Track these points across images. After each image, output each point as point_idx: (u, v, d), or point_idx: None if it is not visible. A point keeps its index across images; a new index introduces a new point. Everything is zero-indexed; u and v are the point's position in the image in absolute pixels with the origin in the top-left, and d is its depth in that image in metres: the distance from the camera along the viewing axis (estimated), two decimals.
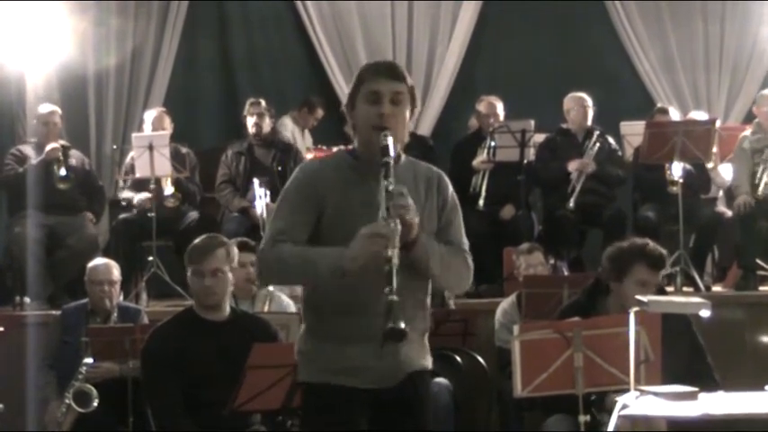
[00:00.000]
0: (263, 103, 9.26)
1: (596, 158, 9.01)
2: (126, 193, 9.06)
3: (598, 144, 9.07)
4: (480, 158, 9.12)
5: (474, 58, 11.09)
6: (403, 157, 3.86)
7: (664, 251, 5.48)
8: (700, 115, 9.73)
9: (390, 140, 3.67)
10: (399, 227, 3.54)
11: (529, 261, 7.55)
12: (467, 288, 4.03)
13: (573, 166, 8.96)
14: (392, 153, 3.65)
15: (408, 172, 3.82)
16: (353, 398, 3.78)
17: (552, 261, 8.59)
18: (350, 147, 3.93)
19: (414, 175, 3.84)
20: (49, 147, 8.66)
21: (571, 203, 8.84)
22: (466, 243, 3.91)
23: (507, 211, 9.06)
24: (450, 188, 3.92)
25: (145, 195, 8.80)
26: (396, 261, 3.49)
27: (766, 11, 10.69)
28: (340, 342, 3.77)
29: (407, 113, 3.81)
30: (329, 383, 3.80)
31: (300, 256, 3.69)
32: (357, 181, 3.77)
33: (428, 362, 3.93)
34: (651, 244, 5.44)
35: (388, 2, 10.94)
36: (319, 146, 10.07)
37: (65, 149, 8.78)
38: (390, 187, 3.58)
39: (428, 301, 3.90)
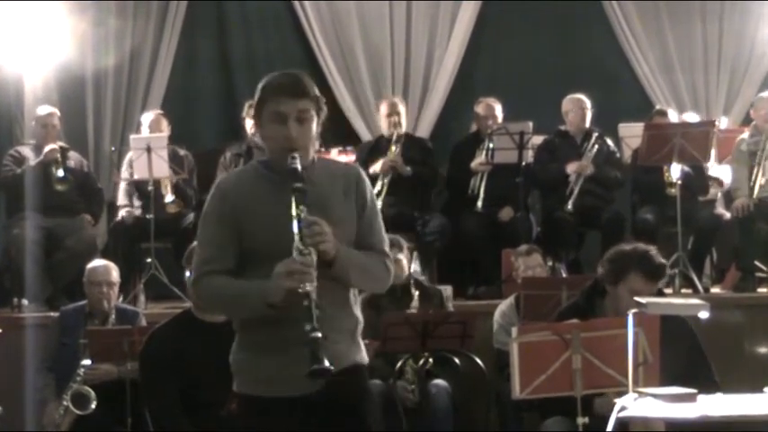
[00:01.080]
0: None
1: (594, 160, 9.02)
2: (122, 200, 9.14)
3: (596, 146, 9.08)
4: (478, 160, 9.13)
5: (473, 58, 11.09)
6: (315, 158, 3.83)
7: (664, 261, 5.42)
8: (693, 117, 9.74)
9: (299, 163, 3.66)
10: (315, 257, 3.56)
11: (527, 263, 7.56)
12: (385, 288, 4.03)
13: (571, 168, 8.97)
14: (301, 176, 3.64)
15: (324, 173, 3.80)
16: (285, 406, 3.78)
17: (551, 263, 8.59)
18: (262, 159, 3.91)
19: (330, 175, 3.82)
20: (47, 148, 8.68)
21: (569, 206, 8.85)
22: (386, 244, 3.90)
23: (506, 213, 9.07)
24: (369, 187, 3.89)
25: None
26: (314, 296, 3.53)
27: (765, 11, 10.69)
28: (266, 352, 3.78)
29: (314, 126, 3.78)
30: (259, 395, 3.82)
31: (227, 294, 3.74)
32: (273, 192, 3.74)
33: (360, 357, 3.89)
34: (652, 252, 5.35)
35: (386, 2, 10.92)
36: (321, 148, 10.06)
37: (63, 151, 8.80)
38: (303, 215, 3.59)
39: (352, 297, 3.87)
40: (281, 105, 3.72)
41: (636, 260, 5.32)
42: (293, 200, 3.61)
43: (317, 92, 3.80)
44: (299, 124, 3.72)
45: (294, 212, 3.60)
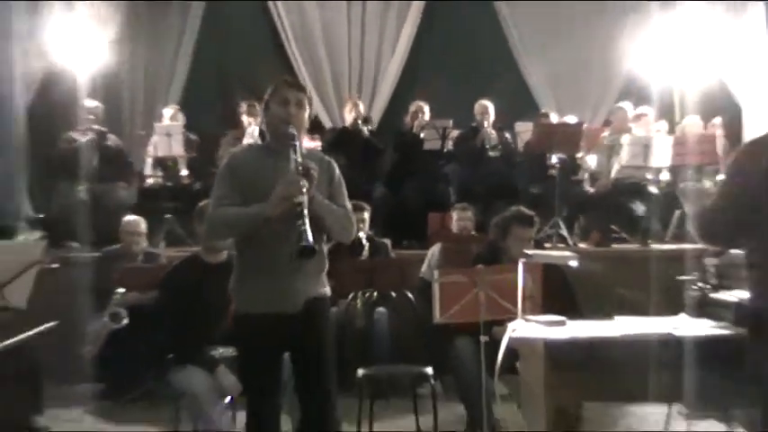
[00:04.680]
0: (257, 106, 9.25)
1: (497, 149, 9.11)
2: (148, 171, 9.13)
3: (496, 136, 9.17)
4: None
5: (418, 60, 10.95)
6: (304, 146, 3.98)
7: (532, 213, 5.60)
8: (571, 119, 9.80)
9: (294, 131, 3.83)
10: (308, 184, 3.69)
11: (461, 215, 7.66)
12: (351, 237, 4.07)
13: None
14: (296, 141, 3.80)
15: (306, 155, 3.92)
16: (267, 322, 3.83)
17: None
18: (264, 142, 4.08)
19: (309, 156, 3.93)
20: (90, 134, 8.59)
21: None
22: (349, 206, 4.02)
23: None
24: (337, 170, 4.03)
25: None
26: (305, 204, 3.63)
27: (623, 43, 10.68)
28: (254, 275, 3.86)
29: (306, 116, 3.95)
30: (249, 312, 3.88)
31: (237, 213, 3.81)
32: (269, 163, 3.88)
33: (325, 291, 3.99)
34: (522, 209, 5.57)
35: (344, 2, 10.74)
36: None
37: (101, 134, 8.71)
38: (299, 158, 3.75)
39: (323, 244, 3.99)
40: (287, 93, 3.88)
41: (511, 217, 5.53)
42: (290, 151, 3.76)
43: (309, 93, 3.99)
44: (297, 108, 3.88)
45: (291, 156, 3.74)
